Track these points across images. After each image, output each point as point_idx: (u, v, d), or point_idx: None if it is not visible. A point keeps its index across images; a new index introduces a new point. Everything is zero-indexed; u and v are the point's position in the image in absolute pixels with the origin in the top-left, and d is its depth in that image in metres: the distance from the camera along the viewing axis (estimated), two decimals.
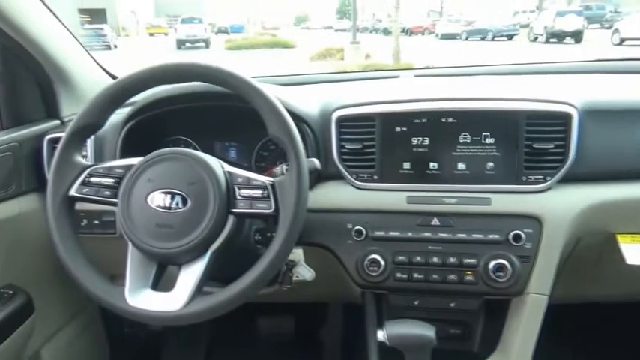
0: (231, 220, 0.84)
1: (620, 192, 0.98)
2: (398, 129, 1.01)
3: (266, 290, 1.06)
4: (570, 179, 0.98)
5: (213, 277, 1.02)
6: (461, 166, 1.00)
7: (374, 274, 0.99)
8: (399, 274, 1.00)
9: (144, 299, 0.81)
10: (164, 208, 0.81)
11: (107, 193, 0.85)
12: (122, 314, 0.81)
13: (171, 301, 0.80)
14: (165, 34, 29.18)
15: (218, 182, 0.81)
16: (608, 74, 1.30)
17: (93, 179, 0.86)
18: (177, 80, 0.88)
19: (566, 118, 0.96)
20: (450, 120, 0.99)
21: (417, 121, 1.00)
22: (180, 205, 0.80)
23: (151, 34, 30.66)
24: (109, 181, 0.85)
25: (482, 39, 19.28)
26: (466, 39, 19.77)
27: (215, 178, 0.81)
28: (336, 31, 31.98)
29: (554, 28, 15.67)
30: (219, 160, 0.86)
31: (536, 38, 17.09)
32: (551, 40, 15.88)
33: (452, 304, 1.03)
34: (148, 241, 0.80)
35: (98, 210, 1.09)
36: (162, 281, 0.85)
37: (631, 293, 1.19)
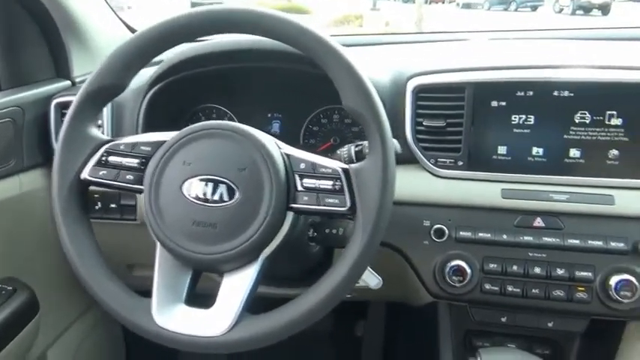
0: (290, 217, 0.64)
1: None
2: (494, 103, 0.80)
3: None
4: None
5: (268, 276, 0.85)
6: (574, 152, 0.79)
7: (457, 284, 0.80)
8: (487, 286, 0.80)
9: (176, 318, 0.62)
10: (204, 200, 0.61)
11: (130, 177, 0.66)
12: (145, 336, 0.63)
13: (212, 321, 0.61)
14: None
15: (276, 168, 0.61)
16: None
17: (112, 158, 0.66)
18: (225, 30, 0.67)
19: None
20: (565, 94, 0.77)
21: (520, 93, 0.79)
22: (225, 198, 0.61)
23: None
24: (133, 161, 0.66)
25: (505, 9, 18.62)
26: (488, 9, 19.11)
27: (272, 163, 0.62)
28: None
29: None
30: (274, 139, 0.66)
31: (561, 10, 16.46)
32: (577, 12, 15.25)
33: (550, 324, 0.84)
34: (183, 242, 0.61)
35: (115, 191, 0.90)
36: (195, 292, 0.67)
37: None
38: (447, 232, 0.81)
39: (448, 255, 0.81)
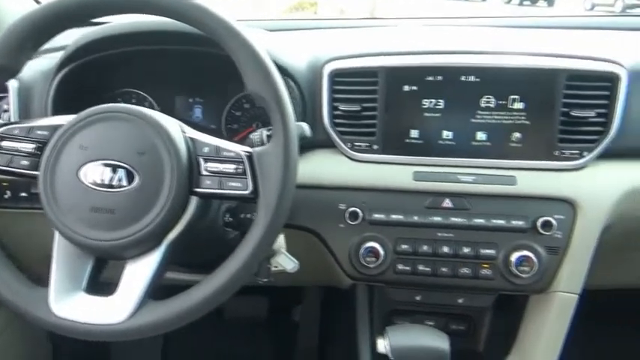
0: (194, 202, 0.64)
1: None
2: (406, 88, 0.81)
3: None
4: (610, 155, 0.81)
5: (181, 262, 0.84)
6: (481, 135, 0.82)
7: (371, 265, 0.82)
8: (400, 266, 0.82)
9: (74, 307, 0.61)
10: (102, 185, 0.60)
11: (25, 162, 0.64)
12: (43, 326, 0.61)
13: (113, 309, 0.60)
14: None
15: (177, 152, 0.61)
16: (635, 31, 1.11)
17: (5, 143, 0.64)
18: (124, 11, 0.65)
19: (612, 80, 0.78)
20: (472, 79, 0.80)
21: (430, 78, 0.81)
22: (124, 183, 0.60)
23: None
24: (28, 146, 0.64)
25: None
26: None
27: (173, 147, 0.61)
28: None
29: None
30: (179, 122, 0.65)
31: (509, 0, 16.93)
32: (524, 3, 15.74)
33: (460, 301, 0.87)
34: (80, 229, 0.60)
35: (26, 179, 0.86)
36: (101, 280, 0.65)
37: None
38: (361, 214, 0.82)
39: (363, 237, 0.82)
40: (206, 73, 0.95)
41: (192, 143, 0.63)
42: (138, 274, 0.62)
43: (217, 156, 0.63)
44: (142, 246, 0.61)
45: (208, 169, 0.63)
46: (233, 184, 0.62)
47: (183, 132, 0.64)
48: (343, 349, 0.93)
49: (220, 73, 0.92)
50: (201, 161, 0.63)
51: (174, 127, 0.63)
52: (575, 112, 0.78)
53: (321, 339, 1.47)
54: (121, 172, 0.60)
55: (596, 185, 0.80)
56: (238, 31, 0.62)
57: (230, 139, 0.99)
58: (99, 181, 0.60)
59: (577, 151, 0.80)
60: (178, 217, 0.63)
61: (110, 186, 0.60)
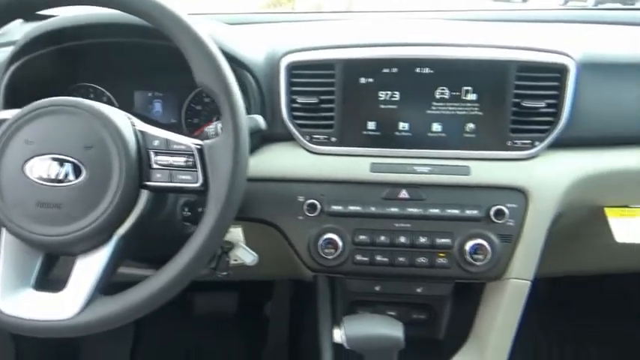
0: (145, 195, 0.64)
1: (617, 160, 0.84)
2: (362, 80, 0.82)
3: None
4: (560, 145, 0.83)
5: (139, 257, 0.83)
6: (436, 127, 0.83)
7: (329, 257, 0.83)
8: (359, 257, 0.83)
9: (20, 303, 0.60)
10: (49, 180, 0.60)
11: None
12: None
13: (61, 305, 0.60)
14: None
15: (125, 145, 0.60)
16: (604, 25, 1.13)
17: None
18: (76, 2, 0.64)
19: (561, 71, 0.80)
20: (426, 70, 0.81)
21: (385, 70, 0.81)
22: (71, 177, 0.60)
23: None
24: None
25: None
26: None
27: (121, 140, 0.60)
28: None
29: None
30: (128, 115, 0.65)
31: None
32: None
33: (419, 290, 0.89)
34: (27, 225, 0.59)
35: None
36: (52, 277, 0.64)
37: (613, 268, 1.09)
38: (319, 206, 0.82)
39: (321, 229, 0.83)
40: (165, 67, 0.93)
41: (141, 136, 0.63)
42: (88, 269, 0.61)
43: (167, 149, 0.63)
44: (91, 241, 0.61)
45: (158, 162, 0.62)
46: (183, 176, 0.62)
47: (133, 125, 0.63)
48: (313, 342, 0.94)
49: (179, 66, 0.91)
50: (152, 154, 0.63)
51: (122, 120, 0.63)
52: (526, 103, 0.80)
53: (291, 333, 1.48)
54: (67, 167, 0.60)
55: (546, 174, 0.82)
56: (186, 22, 0.62)
57: (191, 133, 0.99)
58: (45, 176, 0.59)
59: (529, 141, 0.82)
60: (128, 211, 0.62)
61: (57, 180, 0.59)
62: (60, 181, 0.59)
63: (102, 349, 1.42)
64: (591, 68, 0.82)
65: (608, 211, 0.88)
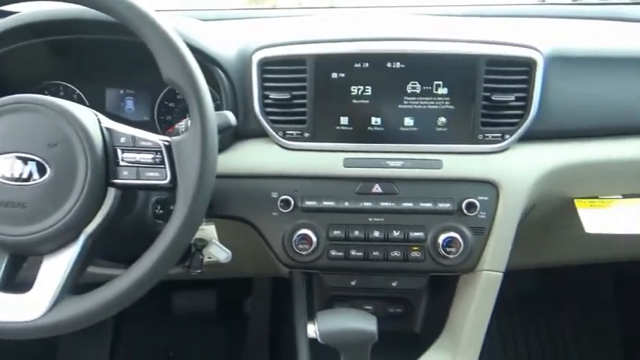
0: (112, 193, 0.63)
1: (586, 152, 0.86)
2: (334, 75, 0.82)
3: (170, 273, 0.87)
4: (530, 138, 0.84)
5: (111, 257, 0.82)
6: (408, 121, 0.83)
7: (304, 252, 0.83)
8: (333, 252, 0.83)
9: None
10: (13, 179, 0.59)
11: None
12: None
13: (28, 305, 0.59)
14: None
15: (91, 143, 0.60)
16: (572, 19, 1.14)
17: None
18: None
19: (529, 64, 0.81)
20: (397, 65, 0.81)
21: (357, 65, 0.82)
22: (35, 176, 0.59)
23: None
24: None
25: None
26: None
27: (87, 137, 0.60)
28: None
29: None
30: (94, 112, 0.64)
31: None
32: None
33: (394, 284, 0.89)
34: None
35: None
36: (20, 278, 0.63)
37: (583, 259, 1.11)
38: (293, 202, 0.82)
39: (296, 225, 0.83)
40: (136, 64, 0.92)
41: (108, 133, 0.62)
42: (55, 269, 0.60)
43: (135, 146, 0.62)
44: (58, 240, 0.60)
45: (125, 159, 0.62)
46: (151, 174, 0.62)
47: (99, 122, 0.63)
48: (293, 338, 0.94)
49: (150, 63, 0.90)
50: (119, 151, 0.62)
51: (88, 117, 0.62)
52: (495, 97, 0.81)
53: (271, 330, 1.48)
54: (31, 165, 0.59)
55: (516, 167, 0.83)
56: (151, 17, 0.61)
57: (164, 131, 0.98)
58: (8, 175, 0.59)
59: (499, 135, 0.83)
60: (96, 210, 0.62)
61: (21, 179, 0.58)
62: (24, 180, 0.58)
63: (80, 350, 1.41)
64: (559, 62, 0.83)
65: (577, 202, 0.90)
